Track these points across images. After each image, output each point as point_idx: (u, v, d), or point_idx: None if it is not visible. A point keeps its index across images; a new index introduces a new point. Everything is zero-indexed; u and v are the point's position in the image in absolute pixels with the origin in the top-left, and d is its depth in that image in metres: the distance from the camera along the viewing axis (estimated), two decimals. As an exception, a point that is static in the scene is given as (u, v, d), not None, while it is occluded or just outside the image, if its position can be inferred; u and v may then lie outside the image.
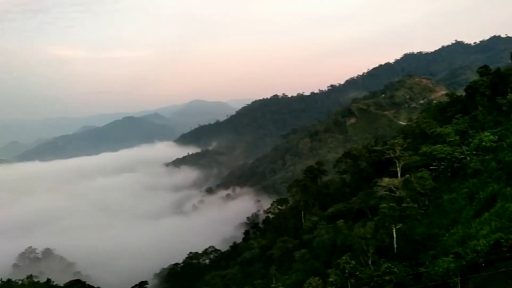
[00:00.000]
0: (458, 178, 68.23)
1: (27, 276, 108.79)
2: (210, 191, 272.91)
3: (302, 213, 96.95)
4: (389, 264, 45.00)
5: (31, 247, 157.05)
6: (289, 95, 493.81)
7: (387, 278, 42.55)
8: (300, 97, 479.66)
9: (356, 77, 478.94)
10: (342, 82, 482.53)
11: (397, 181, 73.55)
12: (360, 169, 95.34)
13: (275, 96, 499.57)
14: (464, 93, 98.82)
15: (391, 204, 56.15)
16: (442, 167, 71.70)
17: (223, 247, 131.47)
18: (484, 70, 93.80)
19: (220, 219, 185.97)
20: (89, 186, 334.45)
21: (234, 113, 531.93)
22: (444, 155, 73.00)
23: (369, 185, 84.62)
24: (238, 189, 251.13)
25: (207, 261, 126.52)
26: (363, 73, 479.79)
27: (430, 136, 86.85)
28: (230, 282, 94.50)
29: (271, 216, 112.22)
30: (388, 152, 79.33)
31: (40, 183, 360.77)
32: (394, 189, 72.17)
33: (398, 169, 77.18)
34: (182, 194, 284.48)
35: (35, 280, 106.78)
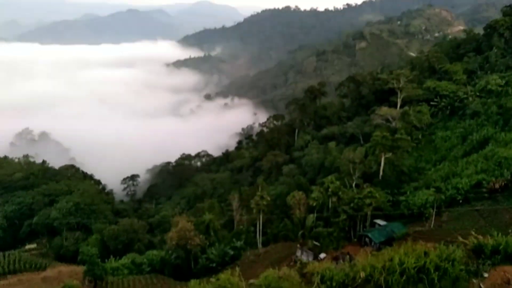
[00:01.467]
0: (456, 117, 68.51)
1: (24, 155, 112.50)
2: (208, 97, 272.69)
3: (296, 131, 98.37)
4: (372, 189, 46.95)
5: (28, 128, 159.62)
6: (302, 9, 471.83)
7: (367, 201, 44.67)
8: (313, 12, 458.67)
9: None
10: (359, 2, 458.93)
11: (395, 112, 73.74)
12: (361, 95, 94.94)
13: (287, 7, 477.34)
14: (482, 32, 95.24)
15: (385, 134, 56.97)
16: (442, 104, 71.56)
17: (216, 153, 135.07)
18: (508, 10, 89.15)
19: (216, 127, 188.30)
20: (88, 75, 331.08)
21: (242, 20, 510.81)
22: (447, 93, 72.44)
23: (367, 112, 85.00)
24: (236, 100, 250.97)
25: (198, 164, 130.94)
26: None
27: (437, 72, 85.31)
28: (219, 186, 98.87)
29: (265, 130, 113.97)
30: (392, 81, 78.36)
31: (39, 67, 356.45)
32: (391, 119, 72.62)
33: (399, 100, 76.91)
34: (180, 96, 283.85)
35: (31, 160, 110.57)
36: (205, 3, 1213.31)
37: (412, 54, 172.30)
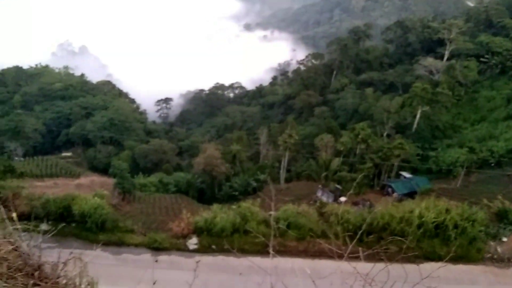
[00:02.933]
0: (505, 78, 64.81)
1: (64, 66, 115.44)
2: (248, 27, 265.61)
3: (334, 72, 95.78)
4: (402, 141, 46.26)
5: (68, 40, 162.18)
6: None
7: (396, 152, 44.25)
8: None
9: None
10: None
11: (441, 64, 70.31)
12: (408, 42, 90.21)
13: None
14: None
15: (426, 86, 54.86)
16: (493, 61, 67.48)
17: (249, 86, 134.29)
18: None
19: (252, 59, 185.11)
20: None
21: None
22: (500, 50, 67.95)
23: (410, 61, 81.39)
24: (276, 33, 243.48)
25: (231, 95, 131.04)
26: None
27: (494, 26, 79.43)
28: (249, 119, 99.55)
29: (302, 67, 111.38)
30: (443, 31, 73.90)
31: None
32: (435, 71, 69.50)
33: (447, 52, 72.94)
34: (219, 23, 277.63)
35: (71, 71, 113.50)
36: None
37: (470, 4, 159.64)
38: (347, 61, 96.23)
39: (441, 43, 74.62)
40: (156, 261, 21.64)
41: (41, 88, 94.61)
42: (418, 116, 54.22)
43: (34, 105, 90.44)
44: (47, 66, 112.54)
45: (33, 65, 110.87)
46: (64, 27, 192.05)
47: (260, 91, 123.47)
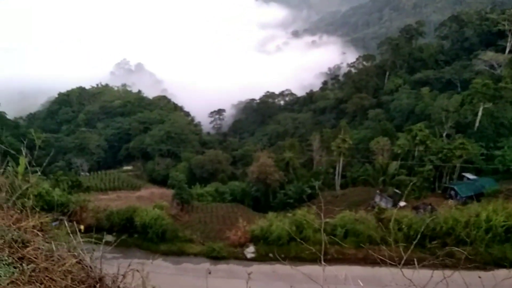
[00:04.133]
0: None
1: (122, 84, 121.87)
2: (296, 34, 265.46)
3: (387, 73, 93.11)
4: (464, 141, 43.86)
5: (125, 59, 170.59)
6: None
7: (457, 153, 42.01)
8: None
9: None
10: None
11: (502, 57, 66.21)
12: (464, 37, 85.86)
13: None
14: None
15: (487, 81, 51.82)
16: None
17: (299, 93, 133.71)
18: None
19: (301, 65, 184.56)
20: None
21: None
22: None
23: (468, 56, 77.39)
24: (325, 37, 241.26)
25: (282, 102, 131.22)
26: None
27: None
28: (300, 125, 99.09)
29: (353, 70, 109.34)
30: (502, 22, 69.60)
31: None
32: (496, 65, 65.58)
33: (508, 44, 68.65)
34: (267, 32, 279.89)
35: (128, 89, 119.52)
36: None
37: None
38: (400, 61, 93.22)
39: (502, 35, 70.38)
40: (210, 273, 21.97)
41: (102, 106, 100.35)
42: (480, 113, 51.20)
43: (97, 122, 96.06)
44: (107, 85, 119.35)
45: (94, 85, 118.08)
46: (121, 46, 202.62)
47: (311, 97, 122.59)
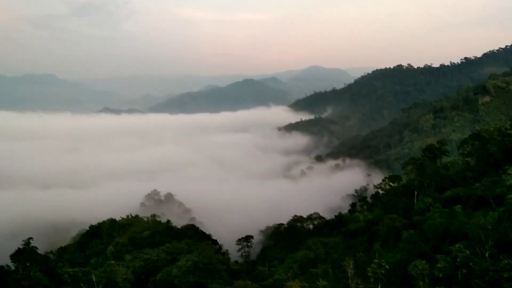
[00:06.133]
0: None
1: (151, 214, 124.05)
2: (319, 159, 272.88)
3: (415, 193, 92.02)
4: (510, 261, 41.02)
5: (155, 190, 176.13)
6: (415, 66, 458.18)
7: (505, 275, 39.00)
8: (428, 69, 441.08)
9: (497, 50, 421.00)
10: (479, 55, 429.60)
11: (533, 171, 65.22)
12: (489, 153, 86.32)
13: (399, 66, 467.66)
14: None
15: (522, 197, 50.41)
16: None
17: (328, 216, 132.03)
18: None
19: (327, 188, 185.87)
20: (208, 141, 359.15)
21: (352, 81, 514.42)
22: None
23: (496, 172, 76.66)
24: (348, 160, 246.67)
25: (310, 226, 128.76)
26: (506, 46, 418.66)
27: None
28: (332, 250, 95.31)
29: (381, 191, 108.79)
30: (526, 138, 70.26)
31: (166, 134, 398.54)
32: (528, 180, 64.26)
33: (536, 158, 68.19)
34: (291, 158, 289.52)
35: (158, 219, 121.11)
36: (316, 68, 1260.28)
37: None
38: (427, 180, 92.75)
39: (527, 149, 70.44)
40: None
41: (131, 237, 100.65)
42: (521, 230, 48.69)
43: (125, 254, 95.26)
44: (137, 216, 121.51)
45: (125, 216, 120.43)
46: (152, 177, 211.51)
47: (339, 219, 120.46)
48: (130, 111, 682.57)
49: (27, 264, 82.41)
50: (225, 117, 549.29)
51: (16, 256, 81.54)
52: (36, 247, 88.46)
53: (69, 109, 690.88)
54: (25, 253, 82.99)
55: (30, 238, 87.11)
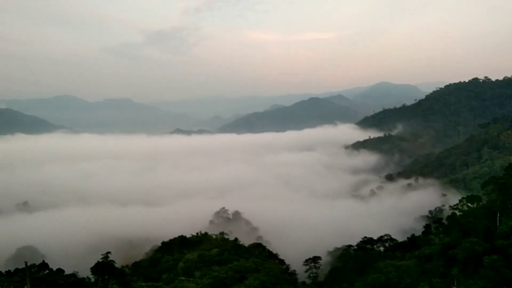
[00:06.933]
0: None
1: (220, 232, 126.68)
2: (390, 178, 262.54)
3: (498, 215, 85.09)
4: None
5: (224, 207, 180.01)
6: (493, 79, 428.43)
7: None
8: (507, 82, 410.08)
9: None
10: None
11: None
12: None
13: (475, 79, 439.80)
14: None
15: None
16: None
17: (400, 238, 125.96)
18: None
19: (399, 209, 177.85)
20: (274, 160, 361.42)
21: (423, 97, 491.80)
22: None
23: None
24: (421, 180, 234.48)
25: (381, 249, 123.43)
26: None
27: None
28: (405, 275, 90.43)
29: (458, 213, 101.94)
30: None
31: (234, 153, 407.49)
32: None
33: None
34: (360, 177, 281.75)
35: (226, 237, 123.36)
36: (384, 84, 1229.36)
37: None
38: (511, 201, 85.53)
39: None
40: None
41: (201, 254, 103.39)
42: None
43: (195, 271, 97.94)
44: (206, 233, 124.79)
45: (194, 233, 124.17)
46: (220, 197, 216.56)
47: (413, 242, 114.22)
48: (200, 131, 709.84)
49: (105, 277, 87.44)
50: (291, 136, 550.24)
51: (96, 268, 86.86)
52: (113, 261, 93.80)
53: (144, 130, 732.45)
54: (104, 267, 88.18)
55: (108, 252, 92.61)
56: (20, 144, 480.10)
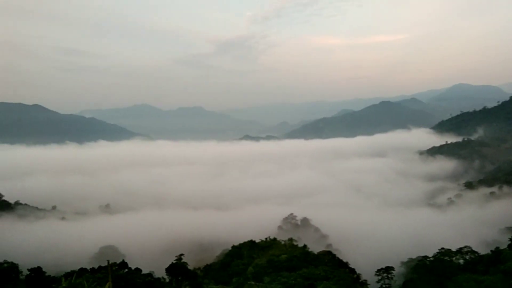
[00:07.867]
0: None
1: (289, 238, 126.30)
2: (470, 186, 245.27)
3: None
4: None
5: (292, 214, 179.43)
6: None
7: None
8: None
9: None
10: None
11: None
12: None
13: None
14: None
15: None
16: None
17: (482, 250, 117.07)
18: None
19: (480, 219, 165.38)
20: (343, 166, 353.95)
21: (507, 98, 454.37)
22: None
23: None
24: (506, 188, 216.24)
25: (461, 261, 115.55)
26: None
27: None
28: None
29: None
30: None
31: (302, 159, 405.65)
32: None
33: None
34: (436, 185, 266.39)
35: (294, 243, 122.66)
36: (462, 86, 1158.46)
37: None
38: None
39: None
40: None
41: (270, 260, 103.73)
42: None
43: (264, 276, 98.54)
44: (275, 239, 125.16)
45: (263, 238, 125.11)
46: (288, 203, 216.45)
47: (497, 255, 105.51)
48: (268, 138, 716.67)
49: (179, 278, 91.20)
50: (361, 141, 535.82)
51: (170, 269, 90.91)
52: (186, 263, 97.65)
53: (215, 137, 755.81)
54: (177, 268, 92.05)
55: (182, 254, 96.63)
56: (102, 150, 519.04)
